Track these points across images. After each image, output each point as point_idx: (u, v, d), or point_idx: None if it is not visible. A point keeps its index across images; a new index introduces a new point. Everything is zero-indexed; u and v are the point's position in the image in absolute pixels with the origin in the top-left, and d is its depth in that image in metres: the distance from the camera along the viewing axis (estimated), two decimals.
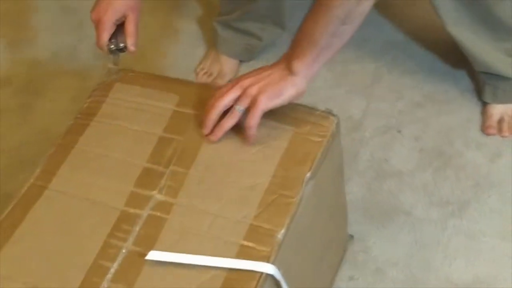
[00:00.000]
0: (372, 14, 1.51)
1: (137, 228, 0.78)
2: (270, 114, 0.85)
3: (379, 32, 1.50)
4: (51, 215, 0.81)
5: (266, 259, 0.74)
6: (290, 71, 0.83)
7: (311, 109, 0.88)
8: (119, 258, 0.76)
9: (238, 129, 0.85)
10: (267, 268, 0.74)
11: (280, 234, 0.77)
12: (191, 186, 0.82)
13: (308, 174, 0.82)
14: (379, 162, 1.27)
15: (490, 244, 1.13)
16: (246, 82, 0.83)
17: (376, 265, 1.12)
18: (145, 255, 0.75)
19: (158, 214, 0.79)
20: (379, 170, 1.26)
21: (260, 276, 0.73)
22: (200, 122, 0.86)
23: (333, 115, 0.89)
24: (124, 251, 0.76)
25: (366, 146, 1.29)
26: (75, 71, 1.52)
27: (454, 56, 1.41)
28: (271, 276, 0.74)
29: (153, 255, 0.75)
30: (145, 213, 0.79)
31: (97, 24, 0.93)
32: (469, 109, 1.34)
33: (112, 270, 0.75)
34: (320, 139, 0.86)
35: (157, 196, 0.81)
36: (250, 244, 0.76)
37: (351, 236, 1.16)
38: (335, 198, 1.02)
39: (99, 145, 0.88)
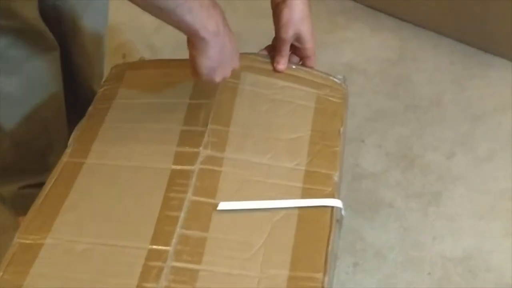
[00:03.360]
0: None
1: (193, 181, 0.76)
2: (294, 79, 0.92)
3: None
4: (99, 183, 0.77)
5: (331, 196, 0.76)
6: None
7: (326, 75, 0.95)
8: (185, 208, 0.73)
9: (268, 92, 0.89)
10: (336, 202, 0.75)
11: (336, 176, 0.79)
12: (236, 141, 0.82)
13: (342, 128, 0.87)
14: (352, 167, 1.34)
15: (468, 223, 1.22)
16: None
17: (375, 249, 1.16)
18: (210, 203, 0.74)
19: (211, 167, 0.78)
20: (354, 173, 1.32)
21: (332, 209, 0.75)
22: (225, 86, 0.87)
23: (344, 81, 0.96)
24: (187, 201, 0.74)
25: None
26: None
27: (393, 78, 1.56)
28: (338, 211, 0.76)
29: (224, 205, 0.73)
30: (196, 168, 0.78)
31: None
32: (416, 121, 1.47)
33: (181, 219, 0.72)
34: (341, 101, 0.92)
35: (204, 151, 0.79)
36: (311, 186, 0.77)
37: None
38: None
39: (127, 120, 0.86)
